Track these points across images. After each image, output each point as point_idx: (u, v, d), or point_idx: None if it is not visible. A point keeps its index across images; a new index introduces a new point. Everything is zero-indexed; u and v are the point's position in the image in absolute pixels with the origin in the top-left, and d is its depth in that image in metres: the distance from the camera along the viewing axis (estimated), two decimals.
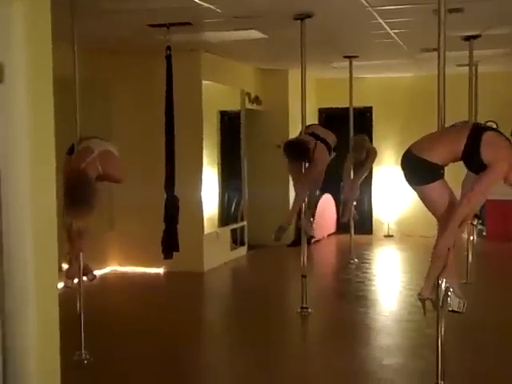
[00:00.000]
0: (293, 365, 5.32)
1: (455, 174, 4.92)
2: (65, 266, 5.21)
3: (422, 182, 4.08)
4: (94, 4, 5.59)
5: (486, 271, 8.79)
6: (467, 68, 7.64)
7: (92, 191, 4.74)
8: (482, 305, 6.91)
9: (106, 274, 8.69)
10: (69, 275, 5.12)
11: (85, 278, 5.21)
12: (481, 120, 9.42)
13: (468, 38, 7.35)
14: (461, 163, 4.14)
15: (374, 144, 12.02)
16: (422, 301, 4.19)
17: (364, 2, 5.81)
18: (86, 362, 5.08)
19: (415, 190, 4.15)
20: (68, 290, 5.05)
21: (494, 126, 11.25)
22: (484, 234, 11.09)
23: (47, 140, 3.24)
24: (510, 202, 11.05)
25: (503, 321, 6.35)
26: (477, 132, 4.02)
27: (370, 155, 9.28)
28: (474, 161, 4.00)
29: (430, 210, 4.18)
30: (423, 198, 4.13)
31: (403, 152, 4.20)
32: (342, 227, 11.67)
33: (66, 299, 4.09)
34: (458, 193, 4.41)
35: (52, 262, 3.30)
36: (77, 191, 4.68)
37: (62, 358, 3.24)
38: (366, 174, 9.53)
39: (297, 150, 6.58)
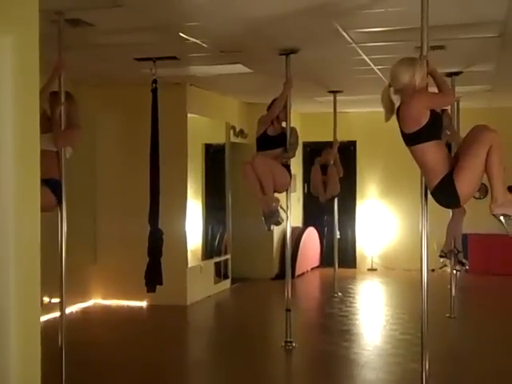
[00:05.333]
0: None
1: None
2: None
3: None
4: (82, 37, 5.63)
5: (469, 305, 8.80)
6: None
7: None
8: (465, 339, 6.92)
9: (88, 307, 8.61)
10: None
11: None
12: None
13: (450, 75, 7.49)
14: None
15: (358, 178, 12.10)
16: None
17: (348, 39, 5.91)
18: None
19: None
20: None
21: None
22: (467, 267, 11.12)
23: (33, 171, 3.25)
24: (492, 236, 11.12)
25: (487, 355, 6.35)
26: None
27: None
28: None
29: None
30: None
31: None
32: (325, 261, 11.70)
33: (48, 333, 4.03)
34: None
35: (34, 296, 3.27)
36: None
37: None
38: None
39: None
